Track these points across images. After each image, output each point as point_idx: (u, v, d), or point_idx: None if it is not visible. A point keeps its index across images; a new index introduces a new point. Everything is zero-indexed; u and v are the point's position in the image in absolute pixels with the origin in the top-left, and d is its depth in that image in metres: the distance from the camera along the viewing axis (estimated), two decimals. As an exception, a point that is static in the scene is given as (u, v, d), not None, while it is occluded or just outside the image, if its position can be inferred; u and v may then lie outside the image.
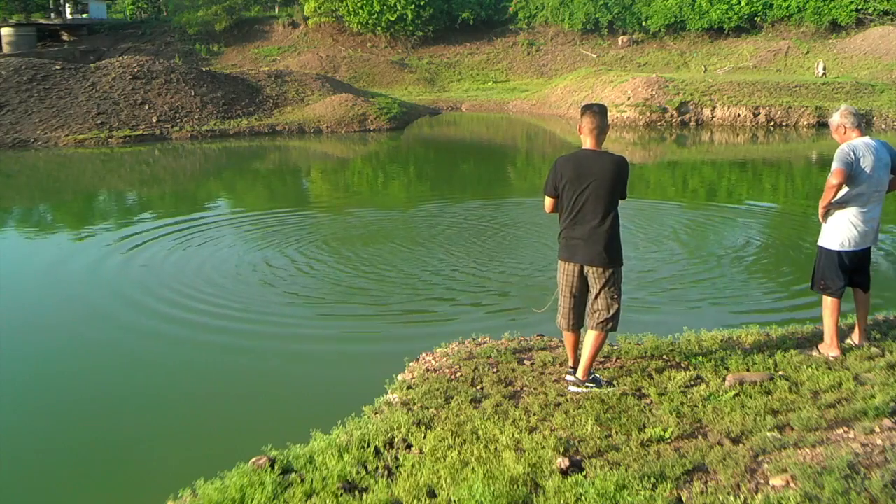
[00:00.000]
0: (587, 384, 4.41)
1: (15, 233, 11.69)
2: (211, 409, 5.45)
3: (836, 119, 4.88)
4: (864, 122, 4.94)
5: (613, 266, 4.33)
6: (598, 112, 4.34)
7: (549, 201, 4.50)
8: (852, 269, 4.91)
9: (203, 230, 10.72)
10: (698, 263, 8.79)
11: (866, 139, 4.76)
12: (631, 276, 7.96)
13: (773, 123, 24.86)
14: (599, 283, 4.34)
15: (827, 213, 4.89)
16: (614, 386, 4.46)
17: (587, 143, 4.37)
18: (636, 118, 25.22)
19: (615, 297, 4.36)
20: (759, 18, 39.25)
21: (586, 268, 4.36)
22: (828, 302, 4.94)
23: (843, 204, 4.80)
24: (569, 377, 4.54)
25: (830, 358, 4.84)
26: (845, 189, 4.77)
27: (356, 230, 10.81)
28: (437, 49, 42.97)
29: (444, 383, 4.62)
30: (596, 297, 4.38)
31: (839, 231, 4.84)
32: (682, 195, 14.48)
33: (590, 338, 4.40)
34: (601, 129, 4.33)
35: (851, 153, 4.68)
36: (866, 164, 4.67)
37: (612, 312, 4.34)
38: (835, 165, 4.68)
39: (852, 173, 4.68)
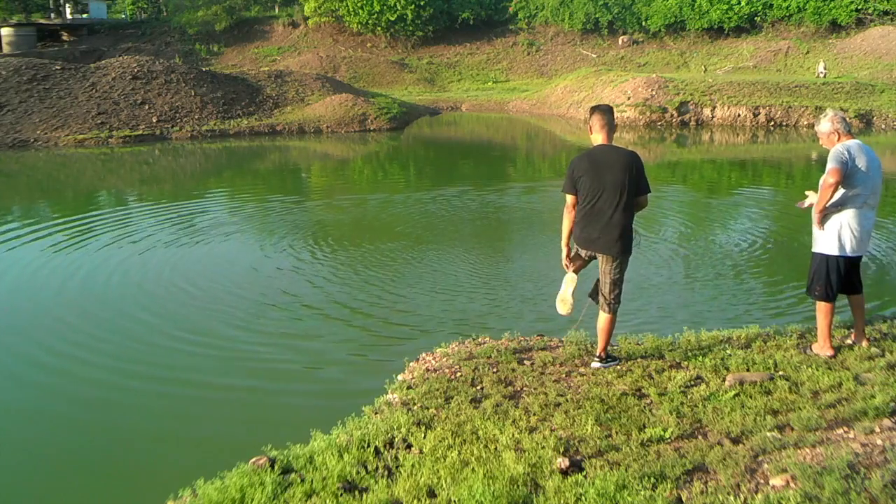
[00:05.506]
0: (607, 361, 4.83)
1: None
2: (211, 409, 5.44)
3: (827, 126, 4.80)
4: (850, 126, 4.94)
5: (625, 255, 4.64)
6: (606, 111, 4.69)
7: (569, 199, 4.69)
8: (847, 274, 4.87)
9: (223, 225, 10.74)
10: (698, 263, 8.79)
11: (858, 141, 4.76)
12: (631, 275, 7.96)
13: (773, 123, 24.88)
14: (609, 268, 4.65)
15: (824, 219, 4.81)
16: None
17: (599, 139, 4.64)
18: (636, 118, 25.23)
19: (619, 281, 4.69)
20: (759, 18, 39.29)
21: (599, 255, 4.67)
22: (821, 306, 4.91)
23: (839, 207, 4.75)
24: (594, 363, 4.85)
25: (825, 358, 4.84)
26: (842, 190, 4.74)
27: (355, 229, 10.81)
28: (437, 49, 43.00)
29: (444, 383, 4.62)
30: (604, 281, 4.66)
31: (838, 236, 4.77)
32: (682, 193, 14.47)
33: (600, 321, 4.74)
34: (612, 127, 4.66)
35: (846, 152, 4.66)
36: (861, 163, 4.64)
37: (613, 296, 4.70)
38: (830, 165, 4.64)
39: (848, 173, 4.65)
